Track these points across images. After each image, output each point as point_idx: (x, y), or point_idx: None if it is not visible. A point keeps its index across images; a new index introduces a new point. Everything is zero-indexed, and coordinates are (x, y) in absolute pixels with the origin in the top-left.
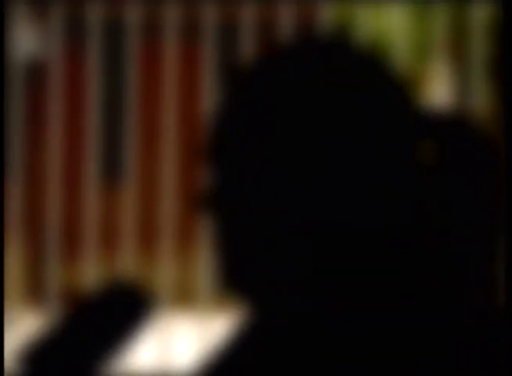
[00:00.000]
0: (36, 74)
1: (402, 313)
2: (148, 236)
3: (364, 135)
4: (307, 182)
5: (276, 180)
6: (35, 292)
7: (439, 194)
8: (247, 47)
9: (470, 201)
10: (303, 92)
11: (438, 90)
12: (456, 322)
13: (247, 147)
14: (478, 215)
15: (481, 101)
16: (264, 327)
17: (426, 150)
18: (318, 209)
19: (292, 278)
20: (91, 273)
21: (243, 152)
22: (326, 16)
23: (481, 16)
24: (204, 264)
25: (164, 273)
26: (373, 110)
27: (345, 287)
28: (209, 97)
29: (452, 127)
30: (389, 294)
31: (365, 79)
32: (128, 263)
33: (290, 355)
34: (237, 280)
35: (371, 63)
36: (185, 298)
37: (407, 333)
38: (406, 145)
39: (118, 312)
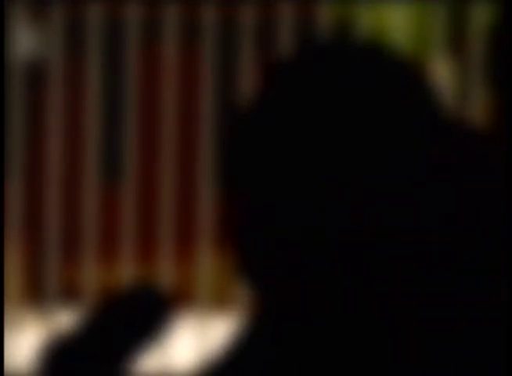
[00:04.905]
0: (36, 73)
1: (414, 314)
2: (148, 236)
3: (380, 135)
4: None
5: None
6: (35, 292)
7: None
8: (247, 47)
9: (474, 202)
10: (312, 99)
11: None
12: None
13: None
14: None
15: (482, 99)
16: (268, 326)
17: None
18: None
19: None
20: (90, 272)
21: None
22: (326, 16)
23: (481, 16)
24: (204, 264)
25: (164, 273)
26: (387, 110)
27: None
28: (209, 97)
29: (452, 125)
30: (402, 295)
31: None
32: (127, 263)
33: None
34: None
35: (378, 60)
36: (184, 298)
37: (416, 332)
38: (419, 143)
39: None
